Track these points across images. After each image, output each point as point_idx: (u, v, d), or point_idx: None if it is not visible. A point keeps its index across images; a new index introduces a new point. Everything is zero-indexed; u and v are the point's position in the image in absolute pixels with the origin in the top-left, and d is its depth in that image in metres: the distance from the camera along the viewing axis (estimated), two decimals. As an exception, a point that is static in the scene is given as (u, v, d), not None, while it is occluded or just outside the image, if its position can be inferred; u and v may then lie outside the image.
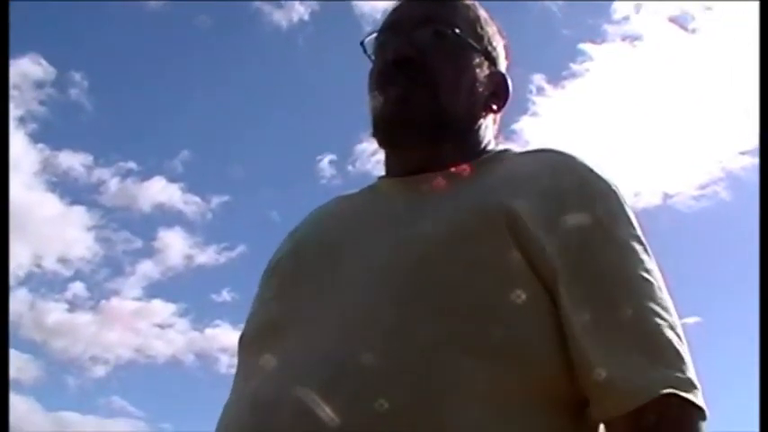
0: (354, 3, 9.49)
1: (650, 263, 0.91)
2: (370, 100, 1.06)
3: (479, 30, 1.10)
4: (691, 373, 0.83)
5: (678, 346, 0.84)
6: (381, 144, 1.07)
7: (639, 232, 0.93)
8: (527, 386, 0.82)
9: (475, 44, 1.07)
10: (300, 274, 0.97)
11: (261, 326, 0.97)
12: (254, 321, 1.00)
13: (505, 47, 1.15)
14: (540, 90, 9.19)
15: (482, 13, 1.12)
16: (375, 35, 1.10)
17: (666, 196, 9.29)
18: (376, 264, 0.90)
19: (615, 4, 9.82)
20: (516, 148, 1.09)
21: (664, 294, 0.89)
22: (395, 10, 1.11)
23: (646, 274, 0.89)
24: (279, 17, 9.89)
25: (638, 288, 0.88)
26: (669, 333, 0.85)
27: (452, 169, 1.00)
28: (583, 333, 0.84)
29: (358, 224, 1.00)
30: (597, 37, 10.60)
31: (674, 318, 0.87)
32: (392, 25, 1.09)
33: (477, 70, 1.07)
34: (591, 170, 0.97)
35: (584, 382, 0.84)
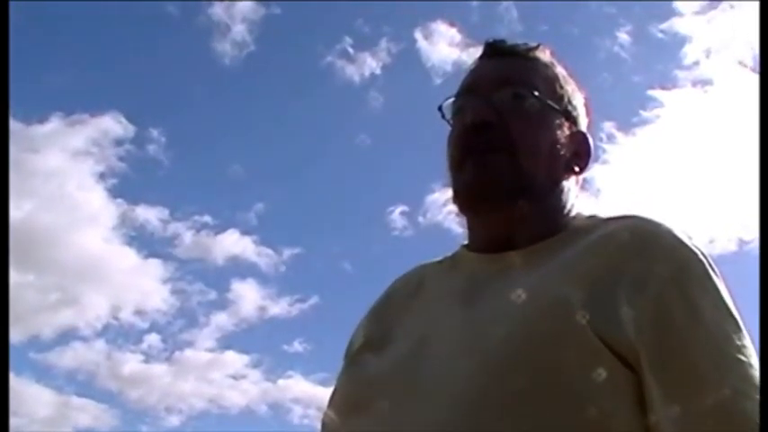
0: (424, 53, 9.59)
1: (741, 338, 0.86)
2: (449, 165, 1.05)
3: (559, 89, 1.07)
4: None
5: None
6: (462, 210, 1.05)
7: (730, 303, 0.89)
8: None
9: (555, 105, 1.05)
10: (381, 360, 0.98)
11: (344, 411, 0.97)
12: (337, 407, 1.00)
13: (585, 103, 1.11)
14: (611, 138, 9.04)
15: (560, 71, 1.09)
16: (453, 99, 1.08)
17: (742, 242, 8.91)
18: (455, 364, 0.88)
19: (685, 49, 9.66)
20: (600, 210, 1.05)
21: (757, 372, 0.84)
22: (472, 72, 1.09)
23: (736, 353, 0.84)
24: (351, 71, 10.05)
25: (729, 369, 0.83)
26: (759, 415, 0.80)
27: (534, 246, 0.99)
28: (670, 423, 0.81)
29: (437, 310, 1.00)
30: (668, 82, 10.40)
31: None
32: (470, 88, 1.07)
33: (558, 132, 1.04)
34: (676, 239, 0.92)
35: None
